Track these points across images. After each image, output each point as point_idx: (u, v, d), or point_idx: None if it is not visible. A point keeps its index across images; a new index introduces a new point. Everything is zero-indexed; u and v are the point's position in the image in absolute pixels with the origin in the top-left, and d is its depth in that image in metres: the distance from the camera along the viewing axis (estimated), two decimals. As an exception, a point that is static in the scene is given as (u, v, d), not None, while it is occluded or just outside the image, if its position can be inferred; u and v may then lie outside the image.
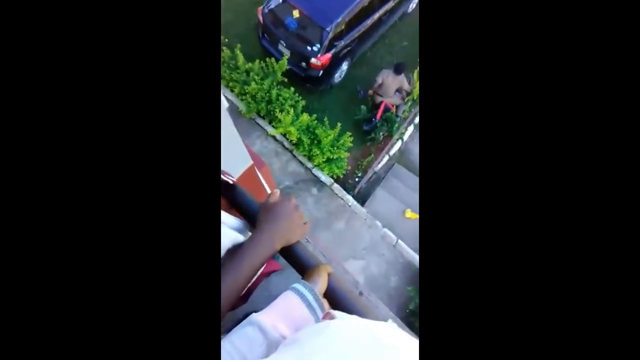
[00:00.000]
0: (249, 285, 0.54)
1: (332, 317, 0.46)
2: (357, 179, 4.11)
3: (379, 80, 3.98)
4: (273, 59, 3.84)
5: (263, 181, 1.23)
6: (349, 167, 4.05)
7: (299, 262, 0.60)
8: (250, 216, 0.64)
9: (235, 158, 1.08)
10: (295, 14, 3.78)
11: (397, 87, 3.98)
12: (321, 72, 3.93)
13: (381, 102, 4.07)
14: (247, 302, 0.63)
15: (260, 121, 4.03)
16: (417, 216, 3.90)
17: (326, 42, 3.73)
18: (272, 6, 3.93)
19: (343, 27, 3.82)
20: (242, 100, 3.97)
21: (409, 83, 4.10)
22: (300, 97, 3.86)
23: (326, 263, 0.59)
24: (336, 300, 0.55)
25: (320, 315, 0.48)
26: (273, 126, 3.90)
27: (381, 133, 4.15)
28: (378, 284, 3.53)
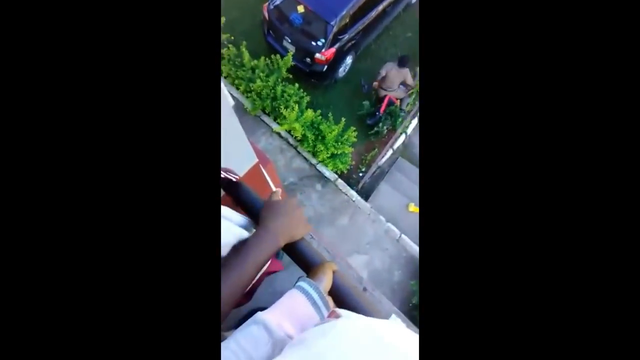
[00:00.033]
0: (253, 282, 0.54)
1: (337, 316, 0.46)
2: (360, 174, 4.11)
3: (383, 72, 3.95)
4: (278, 56, 3.83)
5: (268, 178, 1.25)
6: (353, 162, 4.05)
7: (303, 260, 0.60)
8: (255, 214, 0.64)
9: (240, 156, 1.08)
10: (300, 9, 3.76)
11: (401, 80, 3.95)
12: (325, 66, 3.92)
13: (385, 95, 4.05)
14: (250, 299, 0.64)
15: (266, 118, 4.03)
16: (421, 211, 3.88)
17: (330, 37, 3.71)
18: (278, 2, 3.92)
19: (347, 20, 3.80)
20: (247, 97, 3.97)
21: (413, 77, 4.06)
22: (305, 93, 3.86)
23: (331, 260, 0.58)
24: (341, 297, 0.54)
25: (326, 313, 0.48)
26: (278, 123, 3.91)
27: (385, 127, 4.12)
28: (381, 278, 3.55)
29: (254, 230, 0.65)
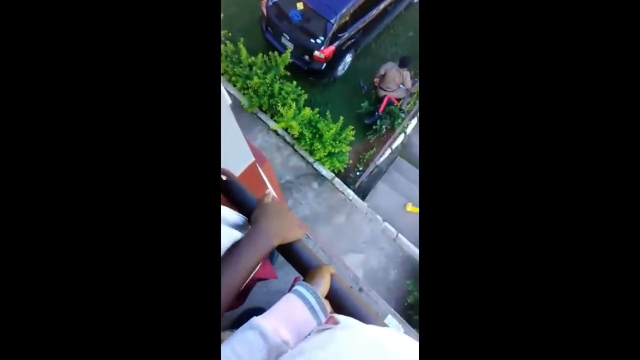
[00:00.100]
0: (245, 283, 0.54)
1: (335, 322, 0.45)
2: (358, 173, 4.11)
3: (382, 71, 3.95)
4: (276, 53, 3.81)
5: (265, 178, 1.24)
6: (351, 161, 4.04)
7: (300, 263, 0.59)
8: (249, 214, 0.63)
9: (237, 155, 1.08)
10: (299, 6, 3.74)
11: (400, 81, 3.95)
12: (324, 64, 3.90)
13: (384, 95, 4.04)
14: (243, 302, 0.63)
15: (262, 115, 4.02)
16: (418, 210, 3.91)
17: (330, 34, 3.70)
18: (276, -1, 3.90)
19: (347, 18, 3.78)
20: (244, 94, 3.95)
21: (412, 78, 4.06)
22: (303, 91, 3.84)
23: (328, 264, 0.58)
24: (339, 302, 0.54)
25: (323, 318, 0.47)
26: (275, 120, 3.90)
27: (383, 126, 4.13)
28: (377, 277, 3.56)
29: (249, 227, 0.65)
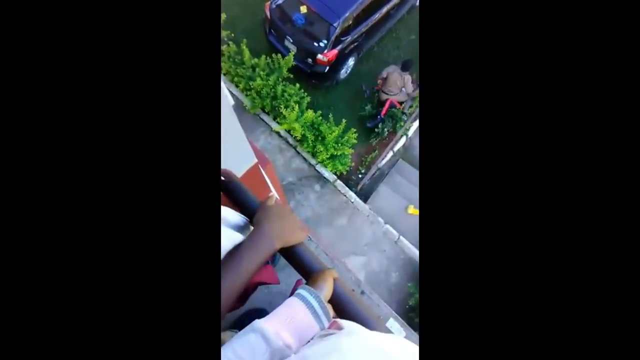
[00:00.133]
0: (247, 285, 0.53)
1: (338, 327, 0.45)
2: (360, 176, 4.10)
3: (384, 74, 3.95)
4: (279, 55, 3.83)
5: (267, 179, 1.24)
6: (353, 164, 4.04)
7: (302, 266, 0.59)
8: (251, 215, 0.63)
9: (239, 156, 1.08)
10: (303, 9, 3.76)
11: (402, 85, 3.95)
12: (327, 68, 3.91)
13: (386, 99, 4.05)
14: (244, 304, 0.63)
15: (265, 117, 4.03)
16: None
17: (333, 38, 3.71)
18: (280, 1, 3.91)
19: (350, 22, 3.79)
20: (247, 95, 3.97)
21: (413, 82, 4.06)
22: (306, 94, 3.86)
23: (331, 267, 0.57)
24: (341, 306, 0.54)
25: (326, 323, 0.47)
26: (277, 122, 3.90)
27: (386, 129, 4.13)
28: (379, 279, 3.55)
29: (250, 228, 0.65)
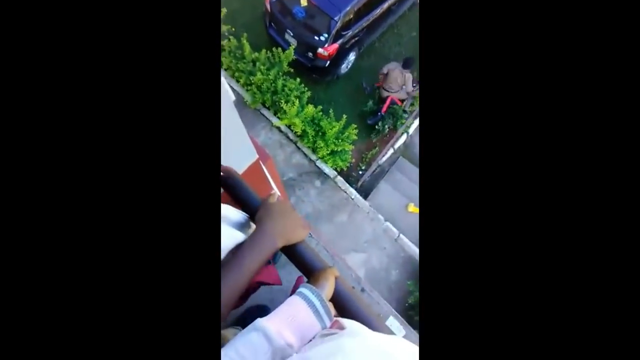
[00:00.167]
0: (249, 284, 0.53)
1: (340, 327, 0.45)
2: (360, 172, 4.10)
3: (385, 70, 3.93)
4: (279, 49, 3.80)
5: (268, 175, 1.24)
6: (353, 160, 4.03)
7: (303, 264, 0.59)
8: (253, 212, 0.64)
9: (241, 152, 1.08)
10: (303, 2, 3.72)
11: (402, 82, 3.93)
12: (328, 62, 3.89)
13: (387, 96, 4.03)
14: (245, 302, 0.63)
15: (265, 112, 4.01)
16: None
17: (334, 32, 3.68)
18: (280, -6, 3.88)
19: (351, 16, 3.76)
20: (247, 90, 3.94)
21: (414, 81, 4.03)
22: (306, 88, 3.83)
23: (332, 265, 0.58)
24: (343, 305, 0.54)
25: (328, 322, 0.47)
26: (278, 117, 3.89)
27: (386, 126, 4.12)
28: (379, 277, 3.56)
29: (251, 225, 0.65)
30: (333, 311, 0.50)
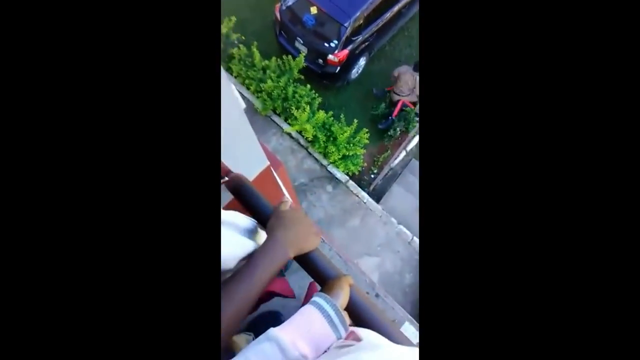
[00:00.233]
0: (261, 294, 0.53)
1: (357, 338, 0.44)
2: (372, 176, 4.07)
3: (395, 73, 3.91)
4: (290, 56, 3.83)
5: (279, 182, 1.24)
6: (365, 164, 4.02)
7: (317, 272, 0.58)
8: (264, 220, 0.63)
9: (252, 159, 1.08)
10: (313, 10, 3.76)
11: (413, 85, 3.90)
12: (338, 68, 3.90)
13: (398, 100, 4.00)
14: (256, 310, 0.62)
15: (276, 118, 4.04)
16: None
17: (344, 38, 3.69)
18: (290, 3, 3.92)
19: (361, 21, 3.77)
20: (258, 97, 3.99)
21: None
22: (317, 94, 3.85)
23: (347, 274, 0.56)
24: (358, 314, 0.53)
25: (343, 332, 0.46)
26: (289, 123, 3.91)
27: (398, 129, 4.09)
28: (393, 281, 3.51)
29: (261, 232, 0.65)
30: (348, 321, 0.49)
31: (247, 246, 0.56)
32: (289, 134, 3.98)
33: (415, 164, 4.21)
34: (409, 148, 4.23)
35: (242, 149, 1.01)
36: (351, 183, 3.86)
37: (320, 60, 3.89)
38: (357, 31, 3.80)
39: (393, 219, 3.74)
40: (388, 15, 4.09)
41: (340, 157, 3.71)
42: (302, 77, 3.88)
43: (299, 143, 3.98)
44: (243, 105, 0.94)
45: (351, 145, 3.66)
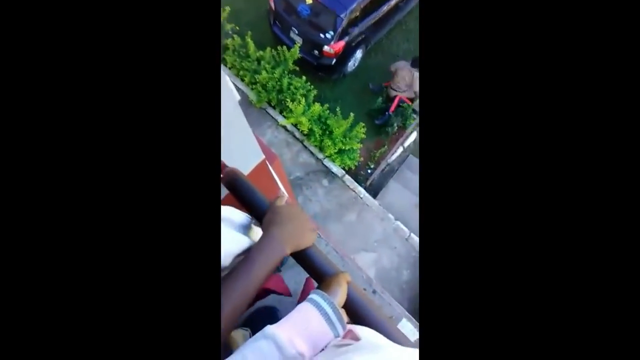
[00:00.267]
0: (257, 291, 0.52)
1: (355, 337, 0.44)
2: (369, 171, 4.06)
3: (392, 69, 3.88)
4: (285, 47, 3.77)
5: (275, 175, 1.22)
6: (362, 159, 3.99)
7: (314, 268, 0.57)
8: (260, 216, 0.62)
9: (247, 152, 1.06)
10: (308, 0, 3.69)
11: (410, 81, 3.87)
12: (334, 60, 3.86)
13: (395, 96, 3.98)
14: (252, 306, 0.62)
15: (271, 111, 3.99)
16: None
17: (340, 30, 3.64)
18: (285, -8, 3.86)
19: (358, 13, 3.72)
20: (252, 89, 3.93)
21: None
22: (312, 87, 3.80)
23: (344, 271, 0.56)
24: (356, 311, 0.53)
25: (341, 330, 0.45)
26: (284, 116, 3.87)
27: (395, 124, 4.07)
28: (389, 277, 3.52)
29: (254, 227, 0.64)
30: (346, 318, 0.48)
31: (242, 242, 0.55)
32: (284, 127, 3.94)
33: (412, 160, 4.20)
34: (406, 144, 4.22)
35: (237, 142, 0.99)
36: (347, 178, 3.85)
37: (316, 52, 3.84)
38: (353, 23, 3.75)
39: (390, 215, 3.74)
40: (385, 8, 4.06)
41: (336, 151, 3.68)
42: (297, 68, 3.82)
43: (294, 136, 3.94)
44: (237, 97, 0.91)
45: (347, 139, 3.63)
